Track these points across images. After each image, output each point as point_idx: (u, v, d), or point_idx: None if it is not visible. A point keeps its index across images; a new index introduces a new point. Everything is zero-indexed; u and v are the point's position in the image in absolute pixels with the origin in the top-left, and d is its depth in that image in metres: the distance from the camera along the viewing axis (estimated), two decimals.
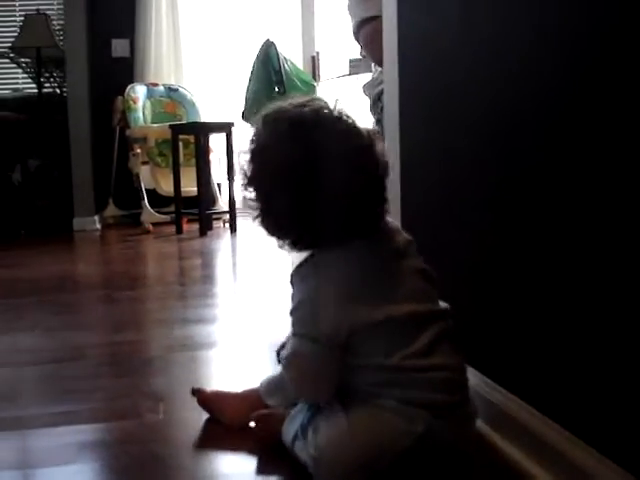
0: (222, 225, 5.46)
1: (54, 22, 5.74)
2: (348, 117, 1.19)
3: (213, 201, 5.44)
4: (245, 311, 2.60)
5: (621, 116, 0.94)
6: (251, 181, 1.20)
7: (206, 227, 4.96)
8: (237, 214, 5.14)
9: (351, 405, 1.18)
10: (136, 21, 5.82)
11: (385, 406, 1.15)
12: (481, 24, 1.33)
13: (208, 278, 3.52)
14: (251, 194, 1.20)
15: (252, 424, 1.36)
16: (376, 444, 1.13)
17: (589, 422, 1.04)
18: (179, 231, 5.03)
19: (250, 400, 1.41)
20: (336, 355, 1.17)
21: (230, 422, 1.43)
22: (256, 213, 1.20)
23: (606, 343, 0.99)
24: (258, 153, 1.20)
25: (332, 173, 1.13)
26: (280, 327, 2.28)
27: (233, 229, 5.09)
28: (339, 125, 1.18)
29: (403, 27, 1.70)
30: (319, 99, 1.22)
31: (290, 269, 1.24)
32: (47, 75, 5.86)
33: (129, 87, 5.51)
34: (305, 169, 1.13)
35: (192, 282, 3.42)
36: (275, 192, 1.17)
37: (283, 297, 2.80)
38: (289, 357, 1.21)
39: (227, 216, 5.23)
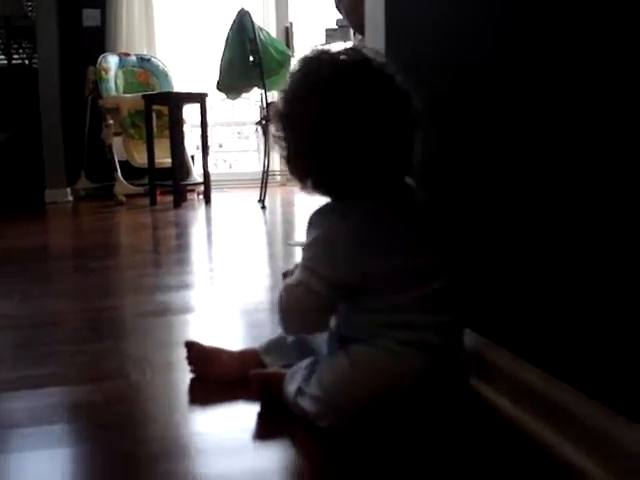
0: (196, 197, 5.45)
1: None
2: (389, 69, 1.19)
3: (187, 173, 5.41)
4: (220, 278, 2.59)
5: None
6: (285, 119, 1.21)
7: (180, 199, 4.95)
8: (211, 186, 5.13)
9: (351, 347, 1.20)
10: None
11: (384, 346, 1.17)
12: None
13: (183, 247, 3.51)
14: (281, 132, 1.22)
15: (250, 382, 1.33)
16: (377, 382, 1.15)
17: (584, 370, 1.05)
18: (153, 203, 5.00)
19: (243, 359, 1.43)
20: (335, 297, 1.19)
21: (219, 379, 1.43)
22: (284, 152, 1.23)
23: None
24: (295, 93, 1.20)
25: (363, 122, 1.14)
26: (254, 292, 2.31)
27: (207, 200, 5.07)
28: (378, 75, 1.18)
29: None
30: (358, 49, 1.22)
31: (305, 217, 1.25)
32: (16, 46, 5.77)
33: (101, 57, 5.45)
34: (338, 114, 1.14)
35: (168, 251, 3.41)
36: (307, 133, 1.18)
37: (256, 265, 2.85)
38: (292, 285, 1.21)
39: (201, 188, 5.21)
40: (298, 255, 2.92)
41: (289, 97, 1.21)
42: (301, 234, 3.67)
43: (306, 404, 1.20)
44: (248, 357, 1.43)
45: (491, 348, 1.29)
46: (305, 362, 1.27)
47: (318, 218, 1.21)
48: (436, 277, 1.20)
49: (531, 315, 1.18)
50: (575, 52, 1.03)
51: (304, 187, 1.23)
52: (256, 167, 6.54)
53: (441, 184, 1.50)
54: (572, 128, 1.05)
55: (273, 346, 1.44)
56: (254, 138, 8.55)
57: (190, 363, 1.48)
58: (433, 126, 1.48)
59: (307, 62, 1.22)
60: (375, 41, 1.77)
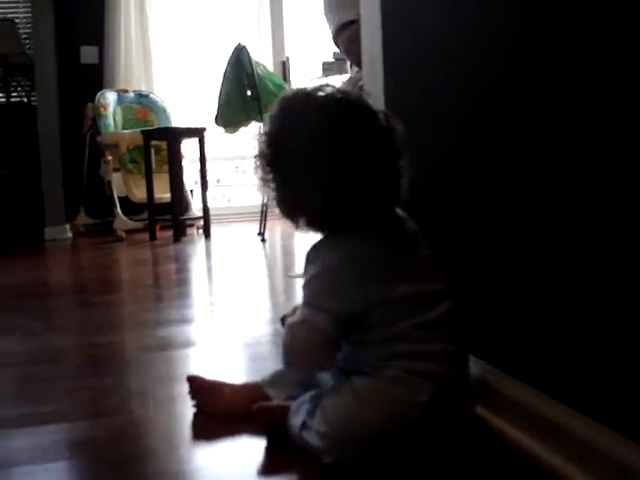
0: (195, 231, 5.45)
1: (20, 29, 5.68)
2: (365, 101, 1.21)
3: (186, 207, 5.41)
4: (221, 311, 2.59)
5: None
6: (271, 161, 1.22)
7: (180, 233, 4.94)
8: (211, 220, 5.13)
9: (355, 380, 1.19)
10: (105, 27, 5.78)
11: (390, 377, 1.16)
12: (471, 13, 1.34)
13: (184, 281, 3.49)
14: (268, 175, 1.23)
15: (254, 415, 1.32)
16: (384, 415, 1.14)
17: (593, 398, 1.05)
18: (153, 238, 5.00)
19: (246, 393, 1.42)
20: (340, 333, 1.18)
21: (223, 413, 1.42)
22: (274, 194, 1.24)
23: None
24: (278, 134, 1.22)
25: (351, 155, 1.15)
26: (255, 325, 2.30)
27: (207, 235, 5.07)
28: (357, 109, 1.20)
29: (387, 25, 1.71)
30: (333, 85, 1.24)
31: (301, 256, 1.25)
32: (14, 84, 5.80)
33: (99, 94, 5.47)
34: (324, 151, 1.15)
35: (168, 285, 3.40)
36: (295, 172, 1.20)
37: (257, 298, 2.83)
38: (296, 323, 1.21)
39: (200, 222, 5.22)
40: (298, 288, 2.93)
41: (272, 139, 1.22)
42: (302, 266, 3.66)
43: (311, 439, 1.19)
44: (251, 390, 1.42)
45: (497, 376, 1.28)
46: (309, 395, 1.26)
47: (315, 253, 1.22)
48: (437, 304, 1.20)
49: (539, 342, 1.17)
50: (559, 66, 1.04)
51: (297, 226, 1.24)
52: (254, 201, 6.54)
53: (438, 211, 1.50)
54: (570, 157, 1.05)
55: (277, 379, 1.42)
56: (252, 172, 8.55)
57: (193, 397, 1.47)
58: (425, 156, 1.49)
59: (285, 103, 1.23)
60: (374, 74, 1.78)
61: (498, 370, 1.29)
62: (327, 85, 1.22)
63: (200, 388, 1.47)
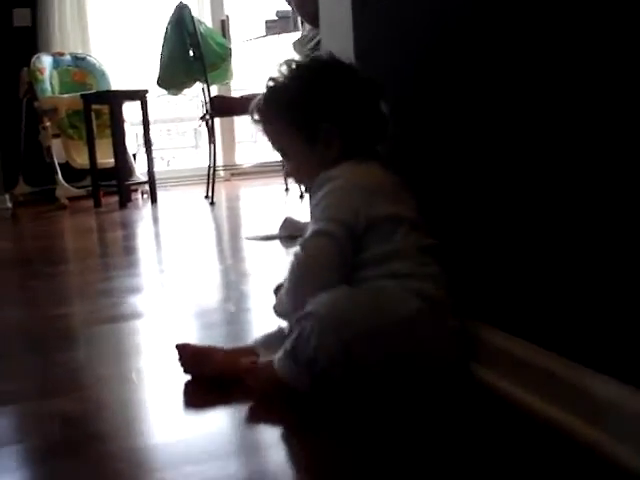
0: (141, 196, 5.35)
1: None
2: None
3: (130, 172, 5.29)
4: (175, 279, 2.53)
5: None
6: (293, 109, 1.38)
7: (125, 199, 4.85)
8: (157, 184, 5.04)
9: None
10: None
11: (383, 285, 1.24)
12: None
13: (132, 249, 3.42)
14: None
15: (244, 379, 1.31)
16: (376, 308, 1.20)
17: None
18: (97, 204, 4.89)
19: (237, 356, 1.38)
20: (350, 245, 1.26)
21: (215, 375, 1.37)
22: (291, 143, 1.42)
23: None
24: (301, 88, 1.40)
25: (356, 103, 1.38)
26: (206, 294, 2.27)
27: (154, 200, 4.98)
28: (352, 68, 1.43)
29: None
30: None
31: None
32: None
33: (34, 57, 5.28)
34: (333, 99, 1.37)
35: (116, 254, 3.32)
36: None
37: (206, 265, 2.78)
38: (307, 238, 1.29)
39: (145, 187, 5.12)
40: (250, 251, 2.90)
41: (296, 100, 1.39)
42: (256, 228, 3.62)
43: (295, 335, 1.21)
44: (243, 354, 1.38)
45: (485, 329, 1.28)
46: None
47: (323, 180, 1.33)
48: (431, 235, 1.31)
49: (527, 292, 1.16)
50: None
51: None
52: (196, 164, 6.45)
53: (418, 165, 1.48)
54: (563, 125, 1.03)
55: (268, 339, 1.41)
56: (191, 135, 8.42)
57: (183, 364, 1.43)
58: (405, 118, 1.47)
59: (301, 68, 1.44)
60: (336, 34, 1.73)
61: (485, 324, 1.29)
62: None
63: (191, 355, 1.42)
